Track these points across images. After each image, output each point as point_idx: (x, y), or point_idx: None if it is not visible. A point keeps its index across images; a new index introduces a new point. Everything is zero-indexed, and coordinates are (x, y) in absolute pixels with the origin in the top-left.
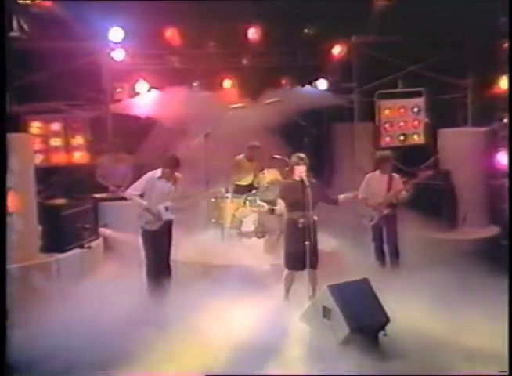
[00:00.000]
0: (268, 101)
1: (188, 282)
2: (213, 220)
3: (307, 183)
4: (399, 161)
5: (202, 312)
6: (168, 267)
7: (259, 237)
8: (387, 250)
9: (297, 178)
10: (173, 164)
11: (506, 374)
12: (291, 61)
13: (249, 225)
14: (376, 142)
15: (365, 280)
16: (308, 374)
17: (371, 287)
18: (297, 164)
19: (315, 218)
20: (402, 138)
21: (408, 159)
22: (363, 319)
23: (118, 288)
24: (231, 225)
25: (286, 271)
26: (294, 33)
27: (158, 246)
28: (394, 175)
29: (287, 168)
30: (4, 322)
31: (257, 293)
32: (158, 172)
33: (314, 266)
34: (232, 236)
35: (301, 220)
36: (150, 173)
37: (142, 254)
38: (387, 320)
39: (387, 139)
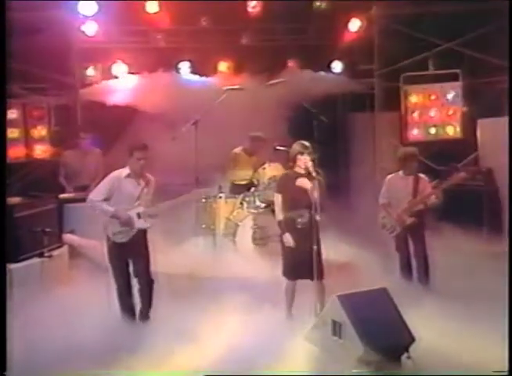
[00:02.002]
0: (272, 82)
1: (173, 298)
2: (203, 226)
3: (313, 174)
4: (430, 159)
5: (188, 335)
6: (148, 284)
7: (258, 245)
8: (415, 264)
9: (301, 171)
10: (143, 156)
11: (506, 374)
12: (299, 40)
13: (246, 230)
14: (402, 135)
15: (383, 290)
16: (308, 374)
17: (391, 299)
18: (301, 154)
19: (318, 218)
20: (433, 131)
21: (440, 157)
22: (381, 336)
23: (86, 307)
24: (225, 231)
25: (285, 281)
26: (303, 5)
27: (130, 263)
28: (421, 175)
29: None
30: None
31: (256, 310)
32: (125, 170)
33: (318, 276)
34: (227, 244)
35: (299, 219)
36: (115, 172)
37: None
38: (412, 340)
39: (415, 132)
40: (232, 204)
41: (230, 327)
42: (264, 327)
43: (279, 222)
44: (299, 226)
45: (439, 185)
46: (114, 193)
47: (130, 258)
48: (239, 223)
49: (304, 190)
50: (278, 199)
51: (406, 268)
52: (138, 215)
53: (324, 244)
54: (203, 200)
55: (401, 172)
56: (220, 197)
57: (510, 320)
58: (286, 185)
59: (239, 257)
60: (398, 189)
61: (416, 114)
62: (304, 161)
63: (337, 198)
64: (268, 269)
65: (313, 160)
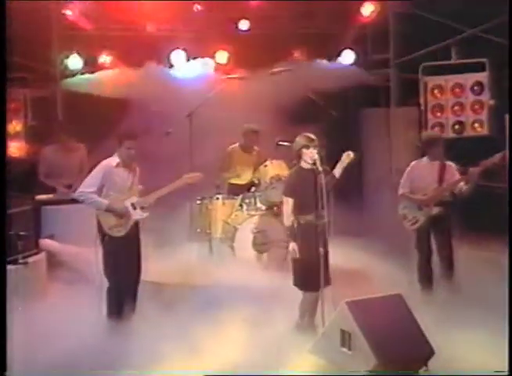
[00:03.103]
0: (275, 70)
1: (164, 309)
2: (198, 230)
3: (320, 169)
4: (453, 160)
5: (181, 350)
6: (136, 282)
7: (259, 252)
8: (439, 263)
9: (306, 166)
10: (133, 145)
11: (506, 374)
12: (306, 27)
13: (246, 234)
14: (422, 133)
15: (398, 297)
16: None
17: (406, 306)
18: (306, 147)
19: (325, 218)
20: (457, 127)
21: (465, 156)
22: (396, 348)
23: (67, 320)
24: (222, 235)
25: (306, 295)
26: None
27: (127, 259)
28: (448, 162)
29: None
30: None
31: (257, 322)
32: (115, 159)
33: (327, 282)
34: (224, 249)
35: (315, 221)
36: (104, 162)
37: (102, 273)
38: (431, 352)
39: (437, 128)
40: (231, 206)
41: (229, 340)
42: (266, 341)
43: (288, 228)
44: (314, 229)
45: (469, 171)
46: (106, 184)
47: (125, 254)
48: (238, 226)
49: (316, 188)
50: (288, 203)
51: (426, 268)
52: (133, 206)
53: (333, 250)
54: (199, 202)
55: (425, 158)
56: (217, 198)
57: (511, 320)
58: (296, 186)
59: (238, 264)
60: (422, 177)
61: (437, 109)
62: (311, 155)
63: (348, 201)
64: (270, 278)
65: (320, 154)
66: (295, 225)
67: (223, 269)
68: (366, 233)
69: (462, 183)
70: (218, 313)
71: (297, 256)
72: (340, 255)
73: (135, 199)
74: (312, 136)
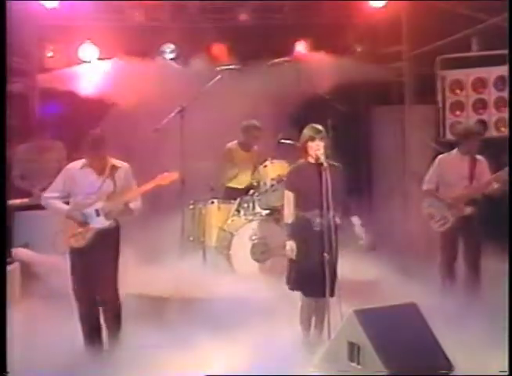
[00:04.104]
0: (275, 60)
1: (152, 324)
2: (191, 238)
3: (325, 164)
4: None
5: (174, 367)
6: (115, 304)
7: (259, 261)
8: (464, 270)
9: (312, 160)
10: (99, 146)
11: (506, 374)
12: (311, 17)
13: (244, 242)
14: (439, 133)
15: (412, 306)
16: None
17: (422, 316)
18: (312, 140)
19: (337, 220)
20: (477, 127)
21: (488, 158)
22: (410, 362)
23: (43, 336)
24: (217, 243)
25: (303, 300)
26: None
27: (90, 273)
28: (479, 157)
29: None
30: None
31: (254, 339)
32: (81, 160)
33: (331, 293)
34: (220, 259)
35: (318, 220)
36: (70, 164)
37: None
38: (449, 366)
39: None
40: (227, 211)
41: (225, 358)
42: (265, 358)
43: (288, 226)
44: (317, 228)
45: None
46: (72, 188)
47: (87, 270)
48: (235, 233)
49: (321, 184)
50: (289, 198)
51: (448, 272)
52: (97, 212)
53: (340, 259)
54: (191, 207)
55: (455, 151)
56: (212, 203)
57: (511, 320)
58: (298, 179)
59: (235, 275)
60: (451, 172)
61: (456, 107)
62: (317, 148)
63: (358, 206)
64: (271, 290)
65: (326, 147)
66: (294, 222)
67: (218, 280)
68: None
69: (494, 182)
70: (213, 329)
71: (294, 257)
72: (348, 266)
73: (100, 204)
74: (319, 127)
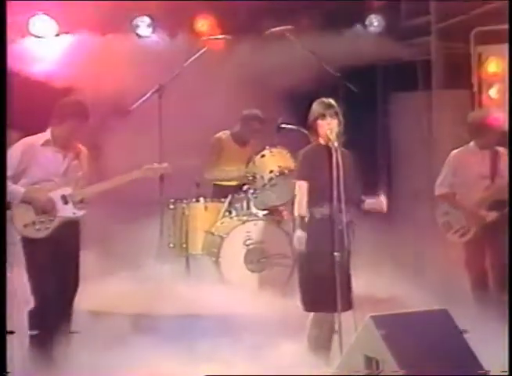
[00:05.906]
0: (274, 29)
1: (121, 345)
2: (171, 244)
3: (335, 143)
4: None
5: None
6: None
7: (254, 270)
8: (491, 277)
9: (322, 142)
10: (77, 116)
11: (506, 374)
12: None
13: (236, 247)
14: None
15: (443, 313)
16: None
17: (454, 324)
18: (322, 117)
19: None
20: None
21: None
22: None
23: None
24: (204, 250)
25: (312, 315)
26: None
27: (53, 268)
28: (501, 149)
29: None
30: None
31: (246, 363)
32: (45, 135)
33: (349, 306)
34: (207, 268)
35: (336, 218)
36: (28, 138)
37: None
38: None
39: (496, 115)
40: (216, 211)
41: None
42: None
43: (298, 218)
44: (340, 227)
45: None
46: (28, 167)
47: (48, 263)
48: (226, 236)
49: (331, 171)
50: (302, 188)
51: (482, 290)
52: (65, 199)
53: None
54: (172, 207)
55: (471, 145)
56: (197, 201)
57: (510, 321)
58: (312, 165)
59: (225, 286)
60: (468, 170)
61: (494, 91)
62: (328, 127)
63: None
64: (268, 305)
65: (340, 125)
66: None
67: (204, 293)
68: (396, 258)
69: None
70: (195, 351)
71: (304, 248)
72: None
73: (68, 190)
74: (332, 101)
